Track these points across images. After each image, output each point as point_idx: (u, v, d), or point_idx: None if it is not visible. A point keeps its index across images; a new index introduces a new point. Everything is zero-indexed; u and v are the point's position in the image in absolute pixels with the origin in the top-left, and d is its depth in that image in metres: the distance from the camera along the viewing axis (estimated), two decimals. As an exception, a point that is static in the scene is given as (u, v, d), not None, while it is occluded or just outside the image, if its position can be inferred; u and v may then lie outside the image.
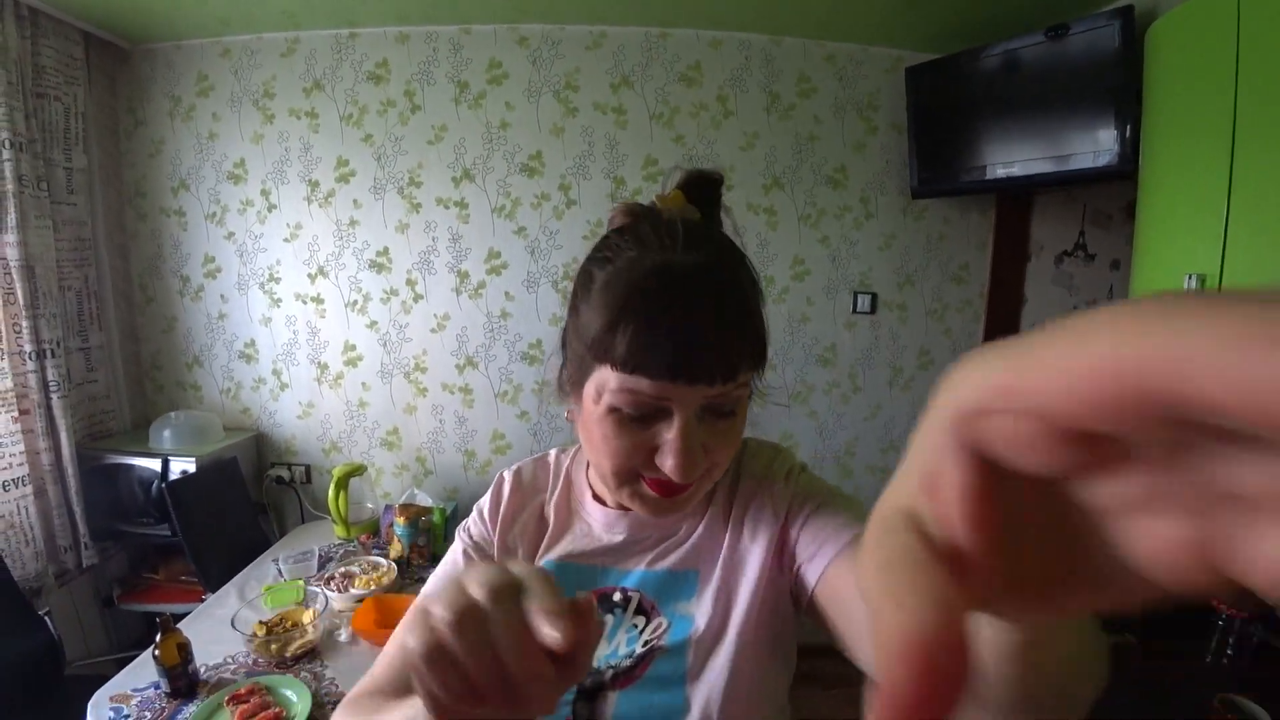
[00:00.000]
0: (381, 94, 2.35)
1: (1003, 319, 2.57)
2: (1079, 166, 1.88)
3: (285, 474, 2.60)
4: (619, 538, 0.68)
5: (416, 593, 1.83)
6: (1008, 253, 2.52)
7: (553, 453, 0.78)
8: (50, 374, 2.06)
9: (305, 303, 2.50)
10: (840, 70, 2.37)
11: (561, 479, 0.74)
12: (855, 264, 2.50)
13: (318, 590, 1.74)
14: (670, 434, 0.54)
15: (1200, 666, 1.34)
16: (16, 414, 1.99)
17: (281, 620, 1.60)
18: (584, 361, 0.56)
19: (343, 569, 1.89)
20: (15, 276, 1.95)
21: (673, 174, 0.65)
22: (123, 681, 1.44)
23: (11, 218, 1.92)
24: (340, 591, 1.76)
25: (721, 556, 0.65)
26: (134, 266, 2.51)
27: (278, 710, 1.32)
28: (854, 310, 2.53)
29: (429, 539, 2.09)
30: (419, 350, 2.52)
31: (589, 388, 0.57)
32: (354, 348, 2.53)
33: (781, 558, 0.64)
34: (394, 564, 1.94)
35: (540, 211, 2.42)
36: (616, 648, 0.65)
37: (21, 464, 2.01)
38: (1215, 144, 1.29)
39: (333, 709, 1.38)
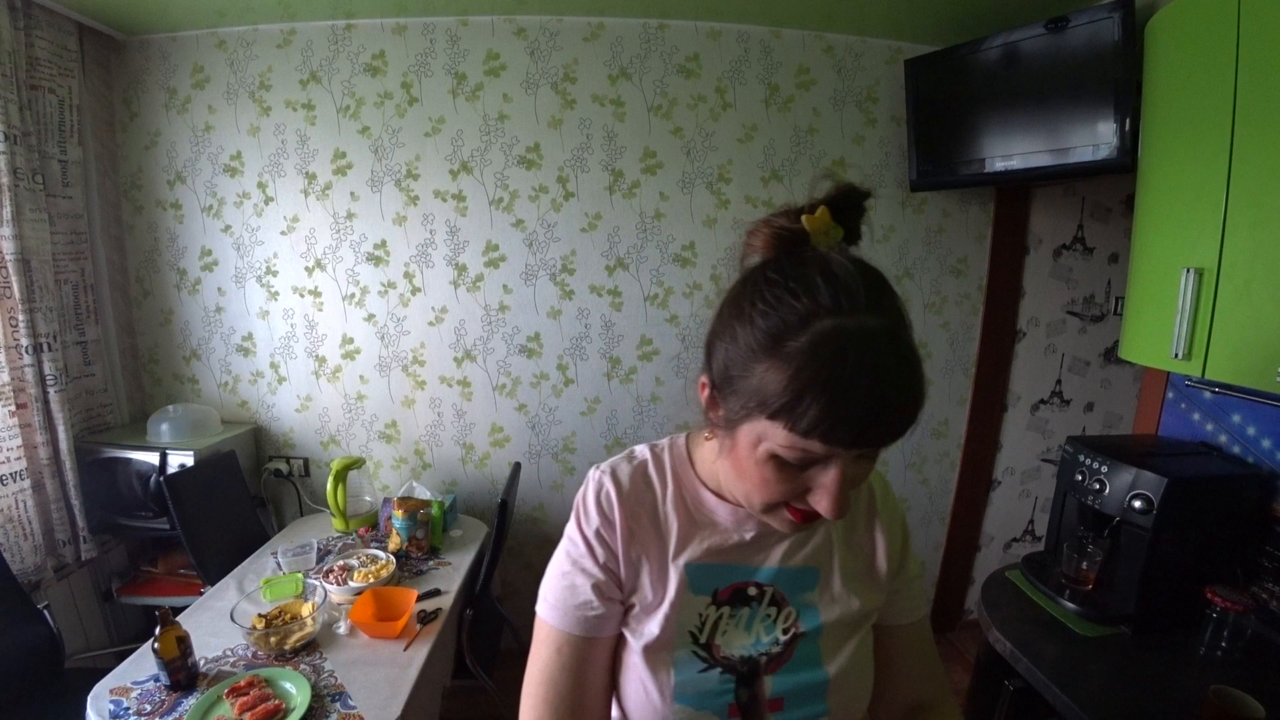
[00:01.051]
0: (378, 86, 2.34)
1: (1001, 312, 2.57)
2: (1078, 160, 1.88)
3: (284, 467, 2.60)
4: (750, 534, 0.73)
5: (415, 585, 1.85)
6: (1006, 246, 2.52)
7: (643, 450, 0.79)
8: (47, 368, 2.06)
9: (303, 296, 2.50)
10: (839, 62, 2.36)
11: (670, 477, 0.76)
12: (855, 248, 2.49)
13: (316, 583, 1.75)
14: (828, 479, 0.58)
15: (1194, 658, 1.34)
16: (14, 408, 1.99)
17: (280, 613, 1.61)
18: (750, 411, 0.58)
19: (341, 562, 1.89)
20: (11, 270, 1.94)
21: (820, 184, 0.64)
22: (122, 674, 1.44)
23: (6, 211, 1.91)
24: (339, 584, 1.77)
25: (840, 553, 0.75)
26: (130, 260, 2.50)
27: (277, 703, 1.33)
28: (852, 303, 2.52)
29: (427, 532, 2.09)
30: (417, 343, 2.52)
31: (748, 430, 0.59)
32: (352, 341, 2.52)
33: (882, 570, 0.77)
34: (392, 557, 1.95)
35: (538, 204, 2.41)
36: (758, 637, 0.72)
37: (19, 458, 2.01)
38: (1214, 137, 1.29)
39: (331, 701, 1.40)
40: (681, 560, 0.72)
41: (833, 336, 0.52)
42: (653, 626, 0.70)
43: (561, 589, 0.73)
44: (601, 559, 0.73)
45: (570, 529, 0.76)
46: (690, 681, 0.69)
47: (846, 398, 0.52)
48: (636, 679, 0.71)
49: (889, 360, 0.53)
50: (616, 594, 0.73)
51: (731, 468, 0.65)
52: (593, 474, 0.77)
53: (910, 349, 0.55)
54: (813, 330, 0.53)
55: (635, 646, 0.71)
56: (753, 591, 0.73)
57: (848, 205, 0.63)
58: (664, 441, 0.80)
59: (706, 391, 0.65)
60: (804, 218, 0.61)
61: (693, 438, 0.79)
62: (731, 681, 0.69)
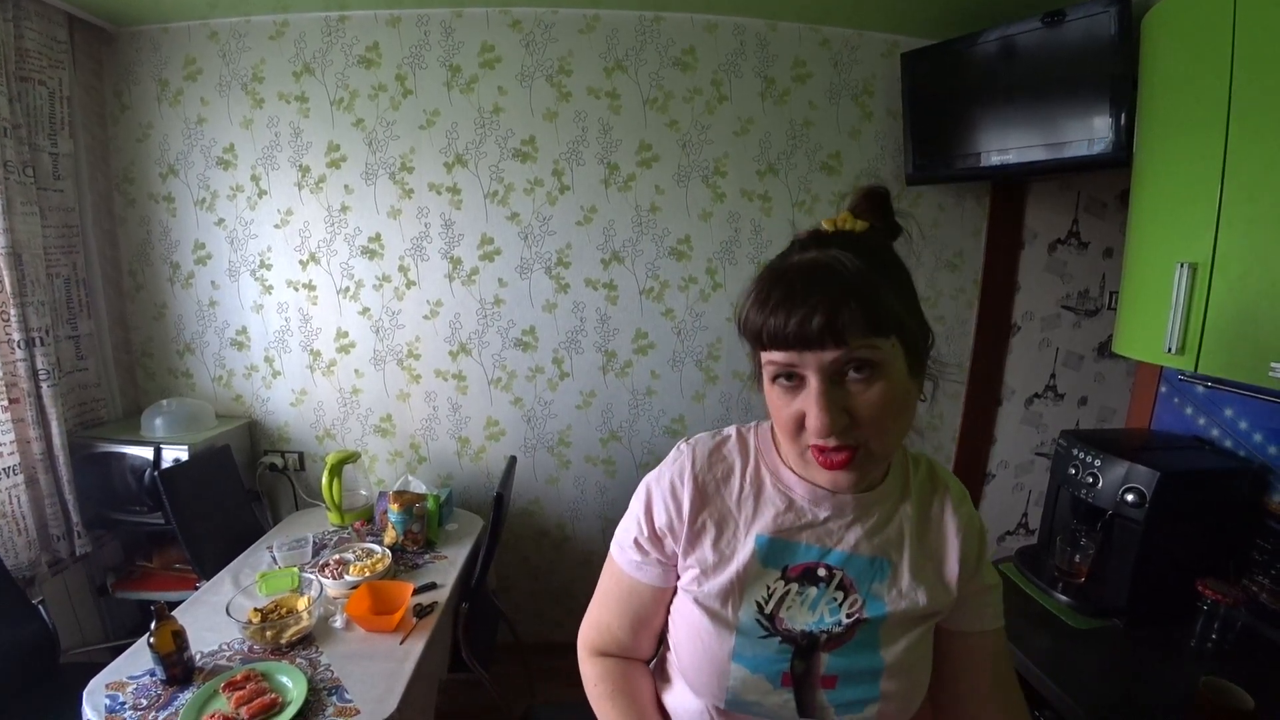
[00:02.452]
0: (372, 78, 2.32)
1: (996, 306, 2.58)
2: (1074, 154, 1.88)
3: (279, 461, 2.59)
4: (823, 514, 0.77)
5: (411, 579, 1.85)
6: (1002, 240, 2.52)
7: (733, 429, 0.85)
8: (40, 362, 2.04)
9: (297, 289, 2.49)
10: (836, 55, 2.35)
11: (753, 453, 0.81)
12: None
13: (312, 577, 1.75)
14: (809, 396, 0.65)
15: (1185, 650, 1.36)
16: (6, 403, 1.98)
17: (276, 607, 1.61)
18: (753, 355, 0.72)
19: (337, 556, 1.89)
20: (2, 264, 1.93)
21: (846, 200, 0.76)
22: (118, 669, 1.44)
23: (-3, 204, 1.90)
24: (335, 578, 1.77)
25: (910, 549, 0.77)
26: (123, 253, 2.48)
27: (273, 696, 1.33)
28: (848, 297, 2.52)
29: (423, 525, 2.10)
30: (412, 337, 2.51)
31: (765, 371, 0.70)
32: (346, 335, 2.52)
33: (954, 573, 0.78)
34: (388, 551, 1.95)
35: (533, 197, 2.41)
36: (822, 616, 0.75)
37: (12, 453, 2.00)
38: (1210, 132, 1.29)
39: (328, 695, 1.40)
40: (754, 531, 0.77)
41: (767, 267, 0.69)
42: (717, 587, 0.75)
43: (622, 531, 0.85)
44: (654, 521, 0.80)
45: (643, 486, 0.84)
46: (750, 644, 0.74)
47: (766, 301, 0.65)
48: (696, 634, 0.76)
49: (805, 271, 0.65)
50: (659, 554, 0.81)
51: (774, 421, 0.73)
52: (679, 446, 0.84)
53: (837, 265, 0.64)
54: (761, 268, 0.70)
55: (700, 604, 0.76)
56: (822, 573, 0.76)
57: (863, 203, 0.74)
58: (754, 424, 0.85)
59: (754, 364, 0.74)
60: (824, 220, 0.74)
61: None
62: (789, 651, 0.73)
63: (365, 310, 2.50)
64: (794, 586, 0.75)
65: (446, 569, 1.97)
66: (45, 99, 2.09)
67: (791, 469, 0.77)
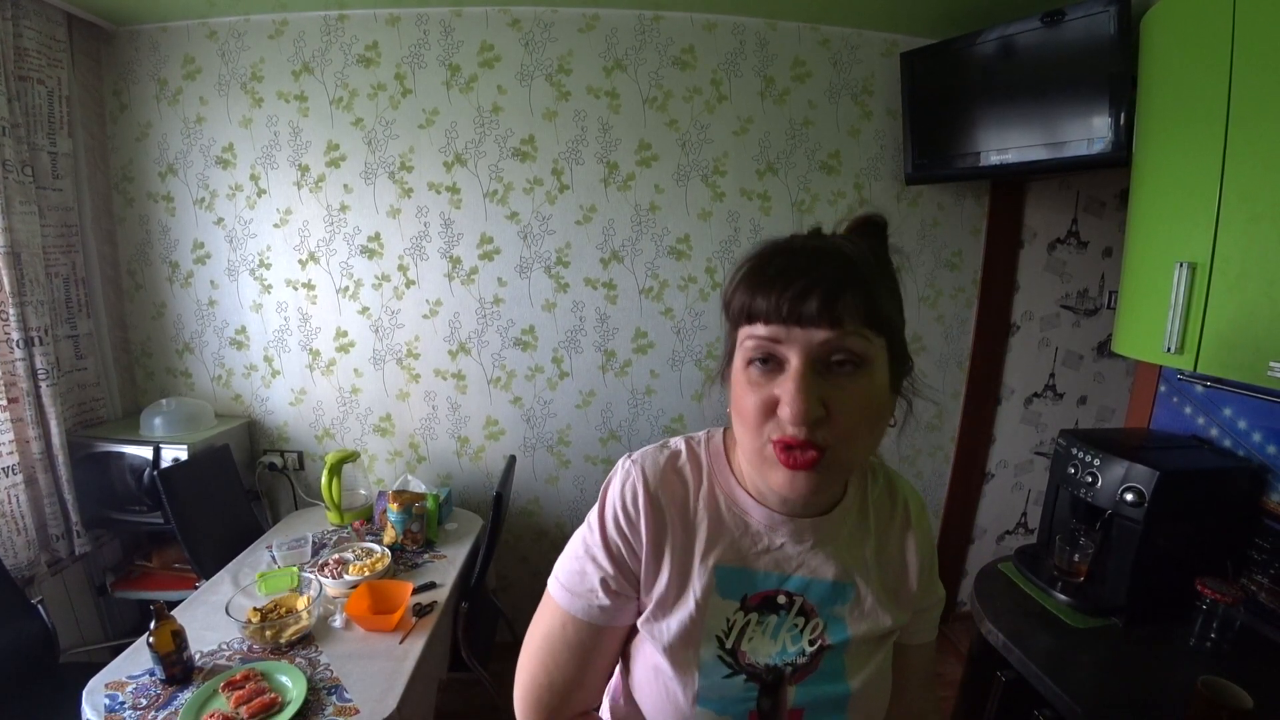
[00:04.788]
0: (372, 77, 2.32)
1: (995, 306, 2.58)
2: (1073, 154, 1.88)
3: (278, 461, 2.59)
4: (780, 539, 0.72)
5: (410, 578, 1.85)
6: (1001, 239, 2.52)
7: (679, 442, 0.77)
8: (39, 362, 2.04)
9: (296, 289, 2.48)
10: (835, 55, 2.35)
11: (705, 472, 0.74)
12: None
13: (312, 576, 1.75)
14: (787, 382, 0.60)
15: (1184, 649, 1.36)
16: (5, 403, 1.98)
17: (276, 606, 1.61)
18: (729, 337, 0.67)
19: (336, 555, 1.89)
20: (1, 263, 1.93)
21: (846, 219, 0.73)
22: (117, 669, 1.44)
23: (-4, 203, 1.90)
24: (334, 578, 1.77)
25: (872, 569, 0.74)
26: (122, 253, 2.48)
27: (273, 696, 1.33)
28: (847, 297, 2.53)
29: (423, 525, 2.10)
30: (411, 336, 2.51)
31: (737, 360, 0.65)
32: (346, 334, 2.52)
33: (912, 591, 0.77)
34: (388, 550, 1.95)
35: (533, 196, 2.40)
36: (784, 645, 0.71)
37: (11, 453, 1.99)
38: (1209, 132, 1.29)
39: (327, 694, 1.40)
40: (711, 561, 0.71)
41: (762, 245, 0.66)
42: (675, 625, 0.70)
43: (572, 572, 0.74)
44: (616, 553, 0.72)
45: (592, 515, 0.74)
46: (714, 686, 0.69)
47: (763, 273, 0.62)
48: (657, 677, 0.71)
49: (805, 250, 0.62)
50: (628, 590, 0.72)
51: (735, 414, 0.66)
52: (622, 464, 0.75)
53: (838, 253, 0.62)
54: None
55: (657, 645, 0.70)
56: (782, 600, 0.72)
57: (864, 229, 0.71)
58: (702, 435, 0.78)
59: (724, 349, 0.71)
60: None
61: (730, 433, 0.76)
62: (755, 689, 0.69)
63: (365, 310, 2.49)
64: (754, 616, 0.71)
65: (446, 568, 1.97)
66: (44, 98, 2.09)
67: (746, 489, 0.72)
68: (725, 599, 0.71)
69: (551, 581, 0.76)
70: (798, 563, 0.72)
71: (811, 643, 0.71)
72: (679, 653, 0.69)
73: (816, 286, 0.59)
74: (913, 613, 0.77)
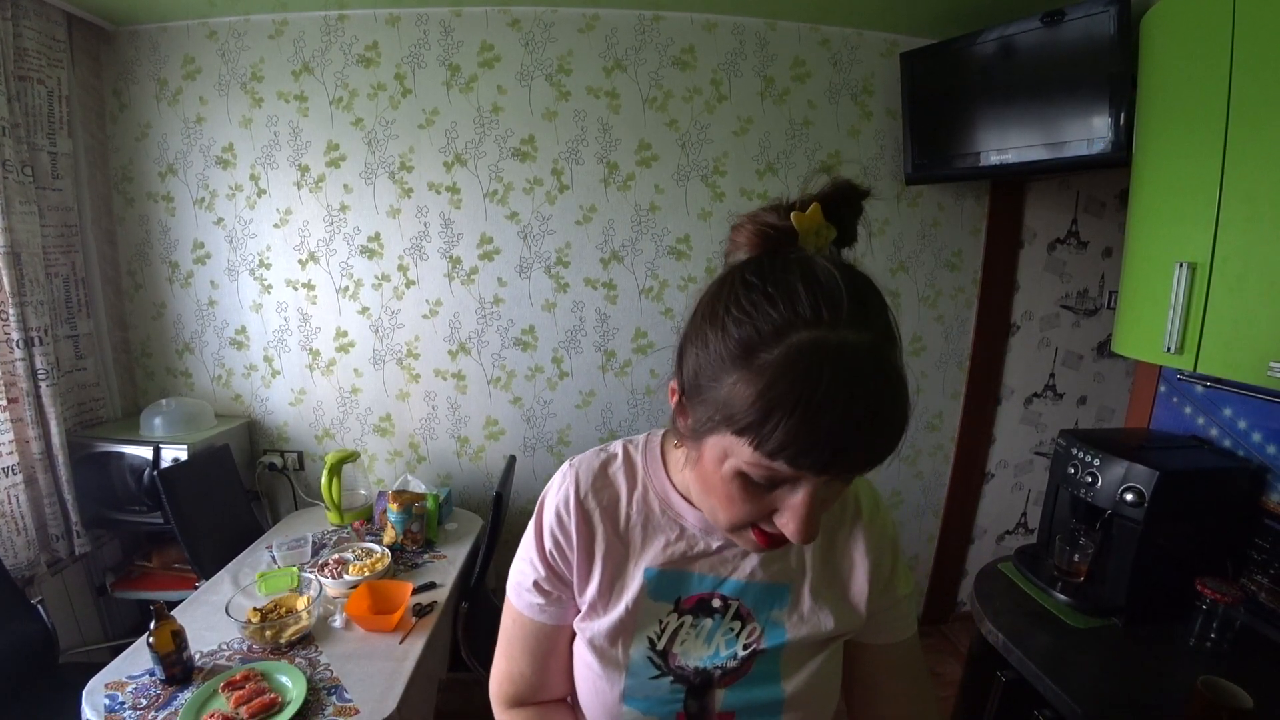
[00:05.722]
0: (371, 77, 2.32)
1: (995, 306, 2.58)
2: (1073, 154, 1.88)
3: (278, 461, 2.59)
4: (717, 543, 0.70)
5: (410, 579, 1.85)
6: (1001, 239, 2.52)
7: (618, 446, 0.77)
8: (39, 362, 2.04)
9: (296, 289, 2.48)
10: (835, 55, 2.35)
11: (639, 476, 0.74)
12: (848, 250, 2.49)
13: (311, 576, 1.74)
14: (796, 501, 0.54)
15: (1184, 649, 1.36)
16: (5, 403, 1.98)
17: (276, 607, 1.61)
18: (716, 424, 0.53)
19: (336, 555, 1.89)
20: (1, 264, 1.93)
21: (814, 179, 0.60)
22: (117, 669, 1.44)
23: (-4, 203, 1.90)
24: (334, 578, 1.77)
25: (813, 571, 0.72)
26: (122, 253, 2.48)
27: (273, 696, 1.33)
28: (847, 297, 2.53)
29: (422, 525, 2.10)
30: (411, 336, 2.51)
31: (714, 444, 0.55)
32: (346, 334, 2.52)
33: (863, 594, 0.73)
34: (388, 550, 1.95)
35: (533, 196, 2.40)
36: (717, 649, 0.70)
37: (11, 453, 1.99)
38: (1209, 132, 1.29)
39: (327, 694, 1.40)
40: (643, 564, 0.71)
41: (809, 351, 0.47)
42: (605, 625, 0.70)
43: (517, 572, 0.77)
44: (549, 558, 0.73)
45: (532, 520, 0.76)
46: (641, 686, 0.69)
47: (817, 420, 0.47)
48: (589, 674, 0.71)
49: (869, 382, 0.48)
50: (562, 591, 0.74)
51: (698, 480, 0.61)
52: (561, 469, 0.76)
53: (895, 370, 0.50)
54: (788, 343, 0.48)
55: (589, 643, 0.71)
56: (717, 603, 0.71)
57: (844, 203, 0.58)
58: (641, 438, 0.77)
59: (676, 398, 0.61)
60: (794, 215, 0.56)
61: (669, 436, 0.75)
62: (682, 691, 0.69)
63: (364, 310, 2.49)
64: (688, 619, 0.70)
65: (446, 568, 1.97)
66: (44, 98, 2.09)
67: (681, 492, 0.71)
68: (658, 601, 0.70)
69: (508, 582, 0.78)
70: (733, 566, 0.71)
71: (745, 647, 0.69)
72: (608, 651, 0.70)
73: (876, 444, 0.49)
74: (877, 613, 0.73)
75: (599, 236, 2.44)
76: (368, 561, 1.87)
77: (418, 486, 2.28)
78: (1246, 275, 1.23)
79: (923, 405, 2.68)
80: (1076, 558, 1.55)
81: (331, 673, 1.45)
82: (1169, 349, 1.36)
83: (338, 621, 1.64)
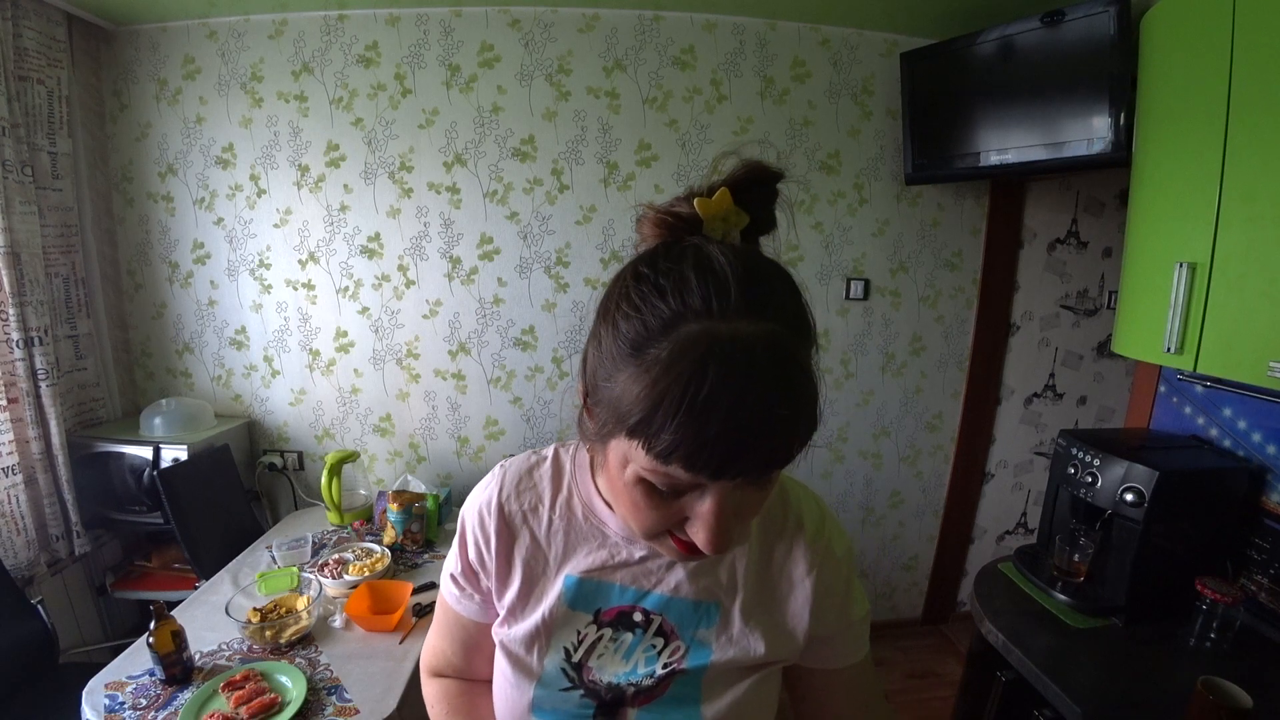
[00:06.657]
0: (371, 77, 2.32)
1: (995, 306, 2.58)
2: (1073, 154, 1.88)
3: (278, 461, 2.59)
4: (639, 553, 0.67)
5: (410, 579, 1.85)
6: (1001, 239, 2.52)
7: (551, 450, 0.74)
8: (38, 362, 2.04)
9: (296, 289, 2.48)
10: (835, 55, 2.35)
11: (565, 481, 0.71)
12: (848, 250, 2.50)
13: (311, 576, 1.74)
14: (704, 509, 0.50)
15: (1184, 649, 1.36)
16: (5, 403, 1.98)
17: (275, 607, 1.61)
18: (612, 426, 0.50)
19: (336, 555, 1.89)
20: (1, 264, 1.93)
21: (723, 161, 0.56)
22: (117, 669, 1.44)
23: (-4, 203, 1.90)
24: (334, 578, 1.77)
25: (745, 590, 0.66)
26: (122, 253, 2.48)
27: (273, 696, 1.33)
28: (847, 297, 2.53)
29: (422, 525, 2.10)
30: (411, 336, 2.51)
31: (615, 448, 0.51)
32: (345, 334, 2.51)
33: (802, 619, 0.67)
34: (388, 550, 1.95)
35: (533, 196, 2.40)
36: (635, 666, 0.66)
37: (11, 453, 1.99)
38: (1209, 132, 1.29)
39: (327, 694, 1.40)
40: (564, 571, 0.68)
41: (695, 344, 0.44)
42: (521, 632, 0.68)
43: (447, 562, 0.77)
44: (470, 558, 0.72)
45: (461, 512, 0.75)
46: (550, 697, 0.66)
47: (706, 418, 0.43)
48: (503, 680, 0.70)
49: (763, 375, 0.43)
50: (478, 591, 0.73)
51: (608, 486, 0.58)
52: (493, 469, 0.74)
53: (796, 364, 0.46)
54: (675, 336, 0.45)
55: (504, 648, 0.70)
56: (639, 618, 0.66)
57: (754, 186, 0.54)
58: (574, 441, 0.72)
59: (584, 400, 0.56)
60: (697, 201, 0.52)
61: None
62: (592, 707, 0.66)
63: (364, 310, 2.49)
64: (607, 632, 0.66)
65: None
66: (44, 98, 2.09)
67: (605, 499, 0.67)
68: (576, 611, 0.67)
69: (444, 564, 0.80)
70: (657, 578, 0.67)
71: (665, 665, 0.65)
72: (522, 659, 0.68)
73: (774, 443, 0.45)
74: (830, 637, 0.68)
75: (599, 236, 2.44)
76: (368, 561, 1.87)
77: (418, 486, 2.28)
78: (1246, 275, 1.23)
79: (923, 405, 2.68)
80: (1076, 558, 1.55)
81: (331, 673, 1.45)
82: (1169, 349, 1.36)
83: (338, 621, 1.64)
